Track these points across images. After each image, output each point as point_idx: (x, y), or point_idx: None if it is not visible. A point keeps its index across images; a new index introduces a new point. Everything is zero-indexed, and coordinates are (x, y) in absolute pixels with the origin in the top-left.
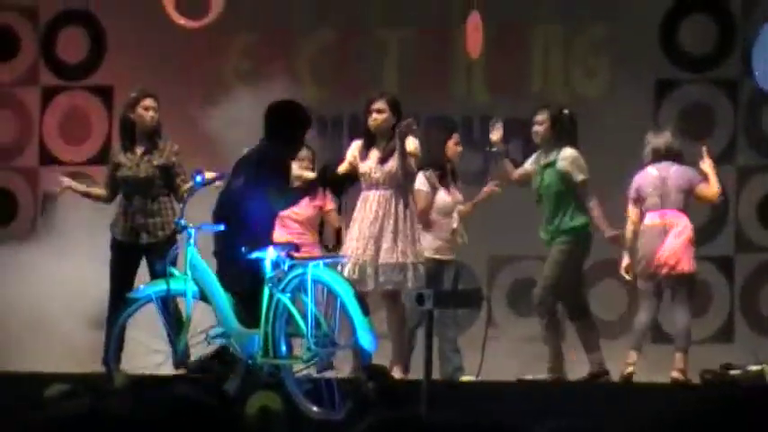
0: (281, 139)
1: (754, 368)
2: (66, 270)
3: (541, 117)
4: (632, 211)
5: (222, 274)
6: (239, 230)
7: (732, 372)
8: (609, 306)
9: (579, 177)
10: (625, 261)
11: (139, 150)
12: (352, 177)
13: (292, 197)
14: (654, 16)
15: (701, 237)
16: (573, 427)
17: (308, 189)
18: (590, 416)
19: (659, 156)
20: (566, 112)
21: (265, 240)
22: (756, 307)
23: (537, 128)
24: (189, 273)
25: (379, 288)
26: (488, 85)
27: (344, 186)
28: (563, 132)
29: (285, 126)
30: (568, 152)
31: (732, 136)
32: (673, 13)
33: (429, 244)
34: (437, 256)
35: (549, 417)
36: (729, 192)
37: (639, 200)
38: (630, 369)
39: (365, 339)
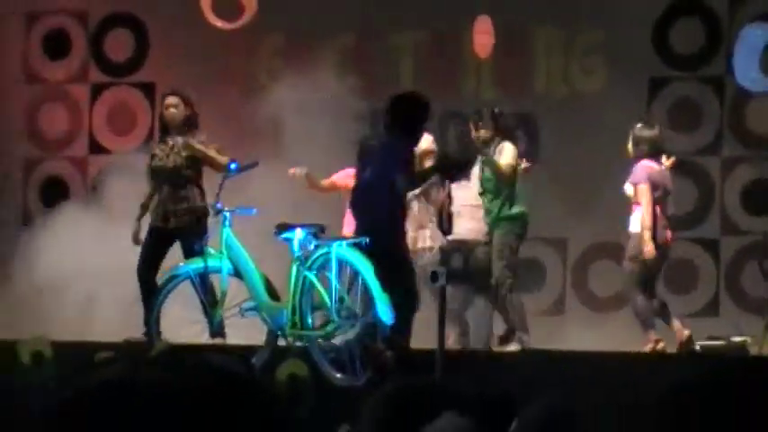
0: (406, 129)
1: (737, 339)
2: (111, 249)
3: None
4: (650, 199)
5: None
6: (378, 218)
7: (717, 342)
8: (606, 284)
9: (503, 162)
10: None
11: (171, 142)
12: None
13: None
14: (646, 19)
15: (690, 222)
16: (573, 401)
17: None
18: (599, 386)
19: (656, 149)
20: (496, 110)
21: (400, 224)
22: (739, 285)
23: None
24: (224, 252)
25: None
26: (495, 83)
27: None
28: (499, 129)
29: (409, 117)
30: (503, 145)
31: (718, 129)
32: (664, 17)
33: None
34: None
35: (552, 386)
36: (716, 180)
37: (653, 189)
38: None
39: (384, 312)
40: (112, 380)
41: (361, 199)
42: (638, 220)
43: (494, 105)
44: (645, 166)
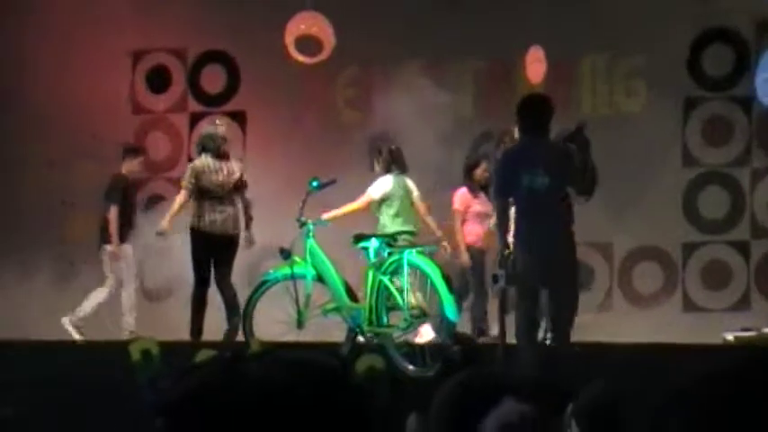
0: (546, 130)
1: (767, 330)
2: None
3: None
4: None
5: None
6: (555, 224)
7: (749, 333)
8: (648, 283)
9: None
10: None
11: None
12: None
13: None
14: (681, 46)
15: (724, 226)
16: (621, 387)
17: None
18: (643, 373)
19: None
20: (392, 147)
21: (566, 223)
22: None
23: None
24: (309, 259)
25: None
26: None
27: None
28: (382, 163)
29: (549, 116)
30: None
31: (747, 143)
32: (697, 43)
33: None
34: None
35: (602, 374)
36: (746, 189)
37: None
38: None
39: (450, 311)
40: (217, 374)
41: (534, 206)
42: None
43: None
44: None
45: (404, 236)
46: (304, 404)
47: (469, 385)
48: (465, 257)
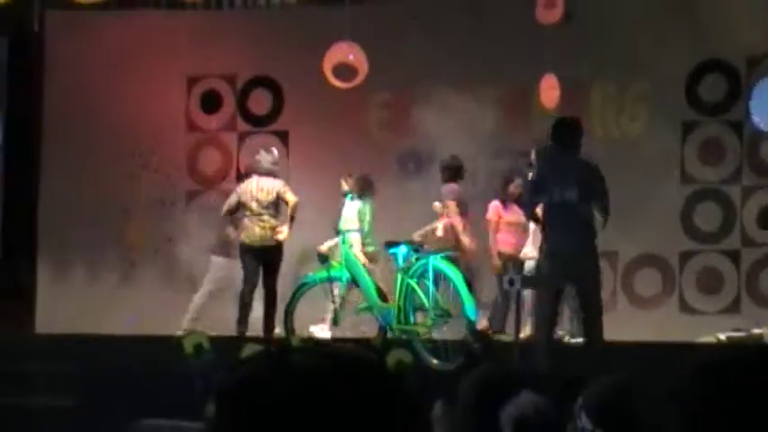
0: (577, 148)
1: (756, 331)
2: None
3: None
4: None
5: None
6: (583, 235)
7: (739, 334)
8: (649, 287)
9: None
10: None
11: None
12: None
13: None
14: (680, 75)
15: (717, 237)
16: (625, 381)
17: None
18: (636, 373)
19: None
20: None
21: (592, 234)
22: (757, 287)
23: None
24: (343, 263)
25: None
26: None
27: None
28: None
29: (579, 138)
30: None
31: (739, 163)
32: (694, 73)
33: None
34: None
35: (606, 370)
36: (737, 204)
37: None
38: None
39: (471, 311)
40: (266, 365)
41: (563, 217)
42: None
43: None
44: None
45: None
46: (344, 392)
47: (490, 377)
48: (496, 262)
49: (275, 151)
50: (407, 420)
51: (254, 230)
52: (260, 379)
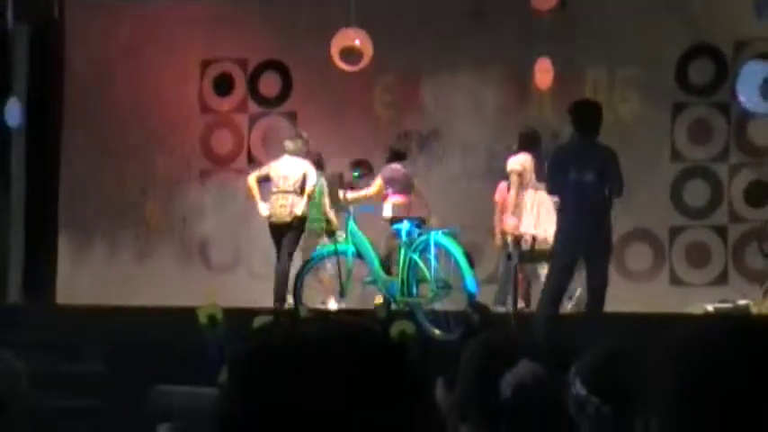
0: (596, 132)
1: (741, 302)
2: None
3: None
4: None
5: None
6: (600, 217)
7: (726, 305)
8: (640, 261)
9: None
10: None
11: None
12: None
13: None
14: (670, 59)
15: (705, 213)
16: (617, 349)
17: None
18: (627, 341)
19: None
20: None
21: (606, 213)
22: (743, 261)
23: None
24: (349, 238)
25: None
26: (555, 109)
27: None
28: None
29: (599, 120)
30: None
31: (726, 142)
32: (683, 57)
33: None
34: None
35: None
36: (724, 181)
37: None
38: None
39: (471, 284)
40: (277, 334)
41: (581, 198)
42: None
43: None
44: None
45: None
46: (350, 361)
47: (490, 344)
48: (498, 240)
49: (303, 135)
50: (411, 388)
51: (275, 207)
52: (270, 348)
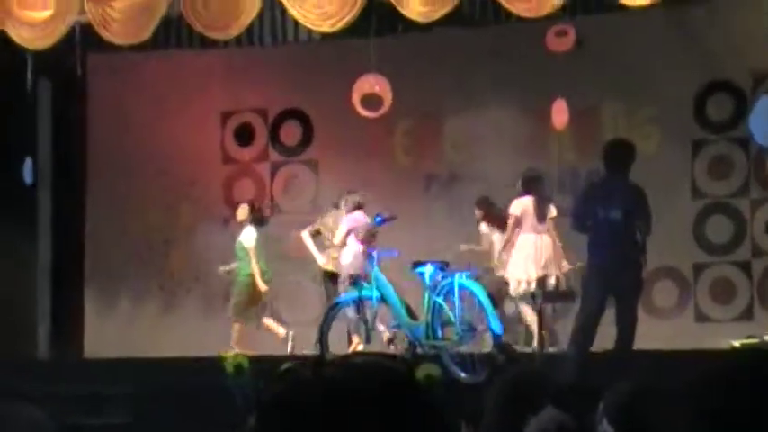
0: (626, 171)
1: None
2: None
3: None
4: None
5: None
6: (632, 253)
7: (753, 340)
8: (666, 297)
9: None
10: None
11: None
12: None
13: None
14: (689, 96)
15: (728, 248)
16: (645, 386)
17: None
18: (654, 378)
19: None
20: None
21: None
22: None
23: None
24: (373, 284)
25: None
26: (574, 147)
27: None
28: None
29: (630, 159)
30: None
31: (746, 178)
32: (702, 94)
33: None
34: None
35: (626, 377)
36: (746, 216)
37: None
38: None
39: (495, 325)
40: (303, 376)
41: (609, 234)
42: None
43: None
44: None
45: None
46: (378, 401)
47: (516, 385)
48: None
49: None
50: (437, 431)
51: (329, 259)
52: (296, 390)
